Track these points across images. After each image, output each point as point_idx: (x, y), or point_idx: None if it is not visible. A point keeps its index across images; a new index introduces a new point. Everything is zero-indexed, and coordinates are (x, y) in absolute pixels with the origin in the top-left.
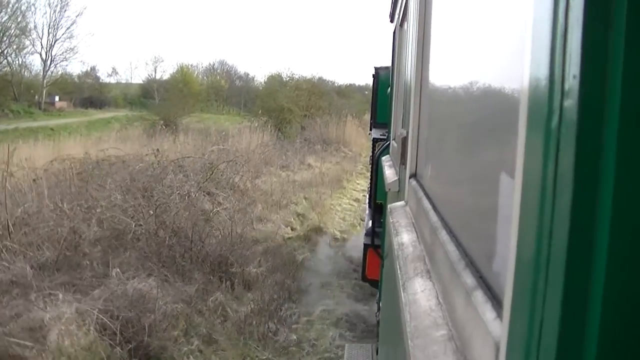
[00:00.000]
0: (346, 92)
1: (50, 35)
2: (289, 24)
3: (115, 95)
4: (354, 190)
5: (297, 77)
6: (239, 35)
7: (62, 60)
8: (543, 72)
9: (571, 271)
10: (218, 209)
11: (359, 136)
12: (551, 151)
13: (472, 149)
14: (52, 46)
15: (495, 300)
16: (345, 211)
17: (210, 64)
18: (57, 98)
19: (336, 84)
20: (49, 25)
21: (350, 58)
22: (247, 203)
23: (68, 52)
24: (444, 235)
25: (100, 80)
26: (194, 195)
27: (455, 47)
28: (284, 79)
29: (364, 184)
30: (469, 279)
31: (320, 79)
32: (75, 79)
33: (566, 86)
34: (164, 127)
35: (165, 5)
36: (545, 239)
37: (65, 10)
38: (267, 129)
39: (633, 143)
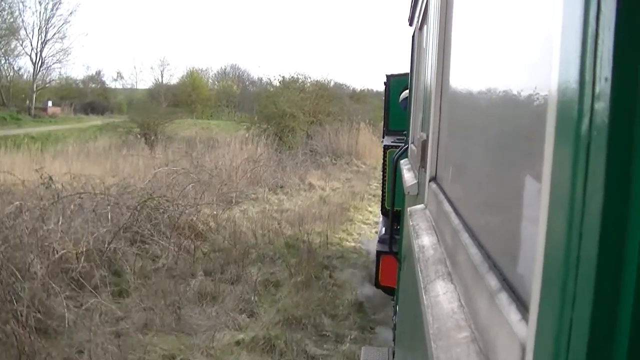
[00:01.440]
0: (360, 96)
1: (42, 35)
2: (305, 29)
3: (119, 101)
4: (364, 223)
5: (303, 78)
6: (252, 40)
7: (55, 63)
8: (573, 74)
9: (602, 273)
10: (152, 266)
11: (373, 146)
12: (581, 154)
13: (494, 152)
14: (42, 47)
15: (520, 302)
16: (348, 267)
17: (221, 68)
18: (50, 103)
19: (351, 88)
20: (40, 24)
21: (368, 63)
22: (199, 257)
23: (60, 53)
24: (465, 238)
25: (106, 85)
26: (106, 248)
27: (477, 50)
28: (287, 80)
29: (378, 212)
30: (492, 281)
31: (336, 84)
32: (80, 84)
33: (597, 89)
34: (140, 136)
35: (173, 7)
36: (575, 241)
37: (57, 9)
38: (266, 137)
39: None
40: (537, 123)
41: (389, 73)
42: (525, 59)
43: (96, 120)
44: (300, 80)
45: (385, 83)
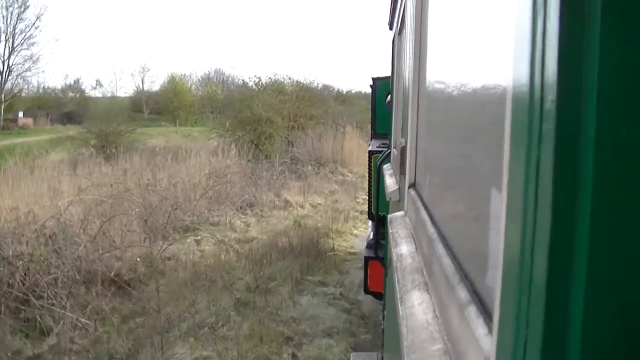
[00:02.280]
0: (346, 97)
1: (9, 42)
2: (292, 32)
3: (98, 110)
4: (350, 253)
5: (282, 78)
6: (238, 44)
7: (25, 71)
8: (524, 93)
9: (553, 286)
10: None
11: (361, 151)
12: (532, 164)
13: (466, 160)
14: (10, 55)
15: (487, 316)
16: (322, 335)
17: (205, 73)
18: (20, 114)
19: (336, 89)
20: (6, 31)
21: (356, 65)
22: (110, 328)
23: (29, 61)
24: (440, 247)
25: (86, 94)
26: None
27: (453, 55)
28: (263, 82)
29: (365, 235)
30: (462, 294)
31: (322, 85)
32: (60, 93)
33: (545, 109)
34: (96, 149)
35: (153, 11)
36: (528, 252)
37: (24, 13)
38: (239, 146)
39: (607, 160)
40: (501, 134)
41: (375, 76)
42: (498, 64)
43: (72, 131)
44: (278, 81)
45: (371, 86)
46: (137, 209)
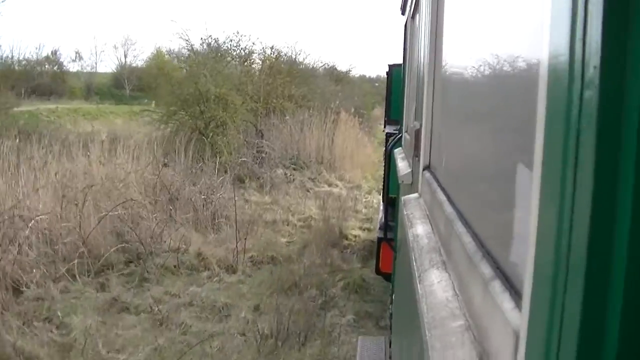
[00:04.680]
0: (344, 77)
1: None
2: (297, 11)
3: (72, 85)
4: None
5: (249, 42)
6: (235, 21)
7: None
8: (562, 63)
9: (592, 260)
10: None
11: (360, 147)
12: (571, 143)
13: (487, 140)
14: None
15: (514, 290)
16: None
17: (196, 49)
18: None
19: (332, 66)
20: None
21: (364, 50)
22: None
23: None
24: (459, 226)
25: (64, 67)
26: None
27: (469, 37)
28: (221, 46)
29: None
30: (486, 270)
31: (332, 67)
32: (36, 66)
33: (586, 77)
34: None
35: None
36: (566, 229)
37: None
38: (169, 137)
39: None
40: (529, 111)
41: (391, 63)
42: (518, 47)
43: (28, 106)
44: (243, 46)
45: (387, 73)
46: None
